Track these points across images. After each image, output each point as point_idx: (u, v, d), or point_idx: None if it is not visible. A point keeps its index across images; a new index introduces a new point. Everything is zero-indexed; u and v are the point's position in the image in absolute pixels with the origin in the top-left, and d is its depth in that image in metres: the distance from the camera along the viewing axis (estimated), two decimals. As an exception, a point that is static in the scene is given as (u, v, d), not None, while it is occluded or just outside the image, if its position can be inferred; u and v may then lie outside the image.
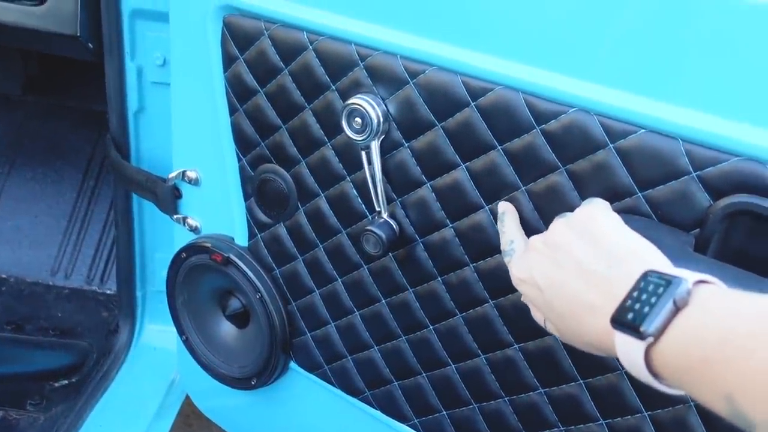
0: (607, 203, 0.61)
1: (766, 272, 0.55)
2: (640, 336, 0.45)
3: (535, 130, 0.66)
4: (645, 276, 0.48)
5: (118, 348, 1.31)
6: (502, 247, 0.67)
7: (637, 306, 0.46)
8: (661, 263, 0.50)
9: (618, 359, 0.49)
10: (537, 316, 0.62)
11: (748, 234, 0.57)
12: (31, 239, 1.58)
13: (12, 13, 1.07)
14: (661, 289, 0.45)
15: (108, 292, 1.52)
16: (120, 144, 1.19)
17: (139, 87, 1.19)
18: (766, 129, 0.55)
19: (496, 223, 0.70)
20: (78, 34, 1.07)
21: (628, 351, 0.46)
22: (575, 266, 0.53)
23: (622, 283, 0.49)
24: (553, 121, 0.64)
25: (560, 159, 0.65)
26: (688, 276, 0.46)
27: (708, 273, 0.48)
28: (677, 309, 0.45)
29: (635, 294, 0.47)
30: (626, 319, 0.46)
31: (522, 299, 0.63)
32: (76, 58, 1.21)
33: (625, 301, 0.47)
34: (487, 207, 0.72)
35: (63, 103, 1.67)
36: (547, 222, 0.65)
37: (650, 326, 0.44)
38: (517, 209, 0.69)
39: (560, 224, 0.57)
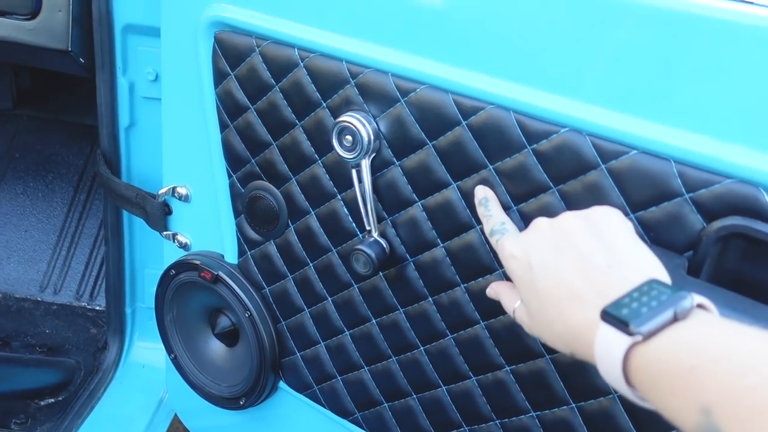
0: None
1: (759, 296, 0.54)
2: (629, 332, 0.44)
3: (526, 149, 0.65)
4: (650, 282, 0.47)
5: (106, 365, 1.29)
6: (490, 226, 0.64)
7: (635, 305, 0.46)
8: (665, 280, 0.49)
9: (585, 358, 0.49)
10: (508, 300, 0.61)
11: (741, 257, 0.57)
12: (20, 254, 1.57)
13: (2, 27, 1.06)
14: (664, 297, 0.45)
15: (97, 308, 1.50)
16: (110, 159, 1.18)
17: (130, 102, 1.18)
18: (760, 151, 0.54)
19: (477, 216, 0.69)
20: (69, 49, 1.07)
21: (609, 347, 0.46)
22: (576, 255, 0.52)
23: (618, 286, 0.49)
24: (544, 140, 0.64)
25: (551, 179, 0.64)
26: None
27: (702, 296, 0.47)
28: (675, 319, 0.44)
29: (635, 294, 0.47)
30: (620, 313, 0.46)
31: (492, 290, 0.62)
32: (67, 72, 1.20)
33: (622, 297, 0.47)
34: (478, 227, 0.71)
35: (55, 117, 1.66)
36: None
37: (643, 325, 0.44)
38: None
39: (572, 214, 0.56)
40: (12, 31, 1.05)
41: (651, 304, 0.45)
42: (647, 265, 0.51)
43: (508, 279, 0.66)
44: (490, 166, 0.68)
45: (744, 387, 0.38)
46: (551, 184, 0.64)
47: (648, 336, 0.44)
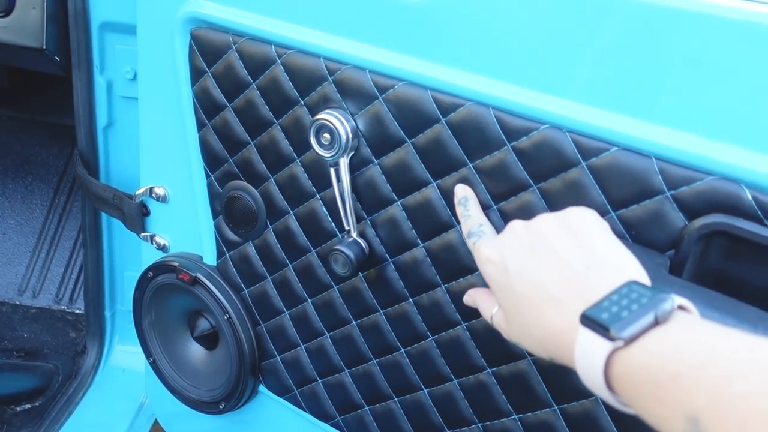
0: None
1: (742, 294, 0.53)
2: (610, 337, 0.43)
3: (506, 147, 0.64)
4: (629, 284, 0.46)
5: (85, 370, 1.26)
6: (468, 228, 0.62)
7: (615, 309, 0.44)
8: (645, 281, 0.48)
9: (564, 363, 0.48)
10: (485, 306, 0.60)
11: (723, 255, 0.56)
12: (-2, 257, 1.54)
13: (-23, 25, 1.04)
14: (645, 300, 0.44)
15: (77, 311, 1.47)
16: (88, 159, 1.16)
17: (108, 101, 1.16)
18: (742, 148, 0.53)
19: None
20: (44, 47, 1.05)
21: (590, 353, 0.45)
22: (553, 258, 0.51)
23: (597, 288, 0.47)
24: (524, 138, 0.62)
25: (532, 177, 0.63)
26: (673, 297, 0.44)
27: (684, 296, 0.46)
28: (656, 323, 0.43)
29: (615, 297, 0.45)
30: (600, 318, 0.44)
31: (469, 297, 0.62)
32: (43, 71, 1.17)
33: (602, 301, 0.45)
34: (459, 227, 0.69)
35: (34, 117, 1.63)
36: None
37: (624, 330, 0.43)
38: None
39: (548, 216, 0.55)
40: (-15, 29, 1.03)
41: (631, 308, 0.44)
42: (626, 266, 0.50)
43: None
44: (470, 164, 0.66)
45: (733, 394, 0.37)
46: (531, 182, 0.63)
47: (629, 341, 0.43)
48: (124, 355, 1.31)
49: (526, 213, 0.63)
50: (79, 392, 1.24)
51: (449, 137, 0.67)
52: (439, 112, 0.67)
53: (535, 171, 0.63)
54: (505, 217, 0.66)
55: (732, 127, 0.53)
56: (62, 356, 1.33)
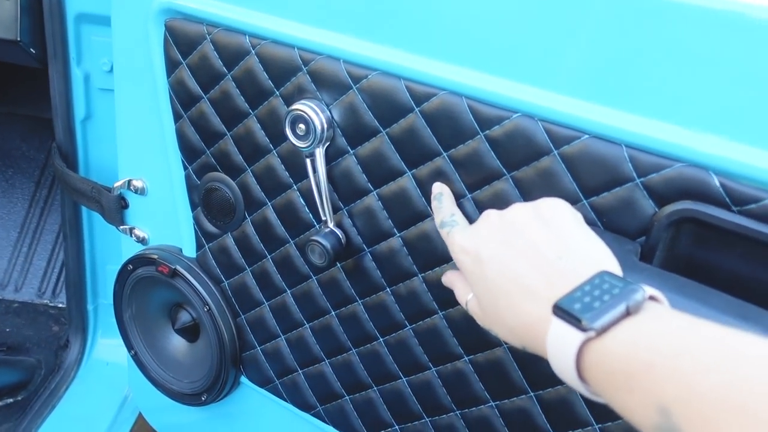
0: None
1: (710, 280, 0.53)
2: (582, 328, 0.43)
3: (479, 136, 0.64)
4: (600, 275, 0.46)
5: (68, 364, 1.26)
6: (440, 219, 0.63)
7: (587, 299, 0.44)
8: (616, 271, 0.48)
9: (537, 352, 0.48)
10: (461, 292, 0.60)
11: (693, 242, 0.56)
12: (-21, 252, 1.53)
13: (-52, 17, 1.03)
14: (616, 290, 0.44)
15: (60, 305, 1.47)
16: (67, 152, 1.15)
17: (86, 94, 1.15)
18: (710, 134, 0.53)
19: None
20: (18, 39, 1.03)
21: (562, 342, 0.45)
22: (526, 247, 0.51)
23: (569, 277, 0.48)
24: (496, 126, 0.62)
25: (505, 165, 0.63)
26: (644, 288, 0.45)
27: (654, 283, 0.46)
28: (628, 314, 0.43)
29: (587, 288, 0.45)
30: (572, 308, 0.44)
31: (446, 279, 0.61)
32: (19, 64, 1.16)
33: (574, 291, 0.46)
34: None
35: (13, 111, 1.62)
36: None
37: (596, 321, 0.43)
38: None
39: (522, 205, 0.55)
40: (-42, 21, 1.02)
41: (603, 298, 0.44)
42: (598, 255, 0.50)
43: None
44: (444, 154, 0.67)
45: (705, 386, 0.37)
46: (504, 170, 0.63)
47: (601, 331, 0.43)
48: (107, 348, 1.31)
49: (500, 202, 0.64)
50: (62, 386, 1.23)
51: (423, 127, 0.67)
52: (412, 102, 0.67)
53: (507, 159, 0.63)
54: (480, 207, 0.66)
55: (700, 114, 0.54)
56: (45, 350, 1.32)
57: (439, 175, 0.67)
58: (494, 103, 0.62)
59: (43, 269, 1.52)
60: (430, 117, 0.66)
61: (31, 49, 1.06)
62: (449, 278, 0.65)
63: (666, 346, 0.40)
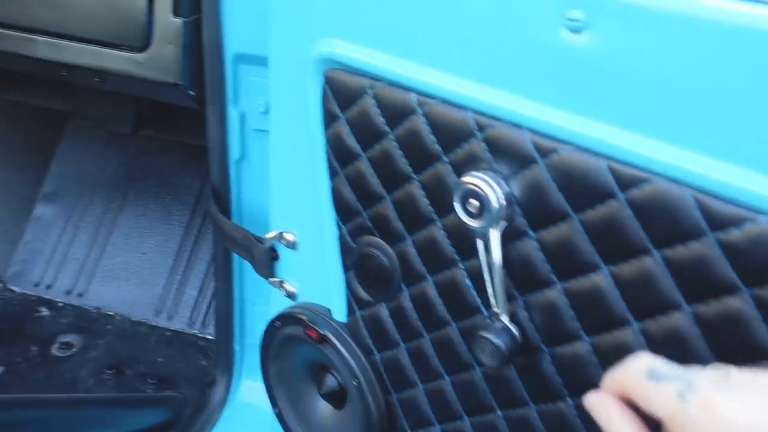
0: None
1: None
2: None
3: (708, 236, 0.50)
4: None
5: (213, 403, 1.24)
6: (667, 394, 0.41)
7: None
8: None
9: None
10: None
11: None
12: (138, 277, 1.57)
13: (115, 59, 1.03)
14: None
15: (208, 336, 1.47)
16: (220, 195, 1.13)
17: (241, 134, 1.12)
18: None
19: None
20: (180, 83, 1.02)
21: None
22: None
23: None
24: (734, 230, 0.48)
25: (742, 279, 0.49)
26: None
27: None
28: None
29: None
30: None
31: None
32: (178, 104, 1.16)
33: None
34: (636, 324, 0.56)
35: (173, 138, 1.65)
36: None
37: None
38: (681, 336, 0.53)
39: None
40: (122, 64, 1.02)
41: None
42: None
43: None
44: (657, 253, 0.53)
45: None
46: (742, 285, 0.49)
47: None
48: (251, 390, 1.28)
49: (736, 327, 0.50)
50: (207, 426, 1.22)
51: (630, 218, 0.54)
52: (617, 186, 0.54)
53: (746, 271, 0.49)
54: (709, 331, 0.52)
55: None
56: (192, 386, 1.32)
57: (649, 278, 0.54)
58: (733, 200, 0.48)
59: (194, 298, 1.53)
60: (639, 206, 0.54)
61: (191, 92, 1.04)
62: (601, 406, 0.49)
63: None
